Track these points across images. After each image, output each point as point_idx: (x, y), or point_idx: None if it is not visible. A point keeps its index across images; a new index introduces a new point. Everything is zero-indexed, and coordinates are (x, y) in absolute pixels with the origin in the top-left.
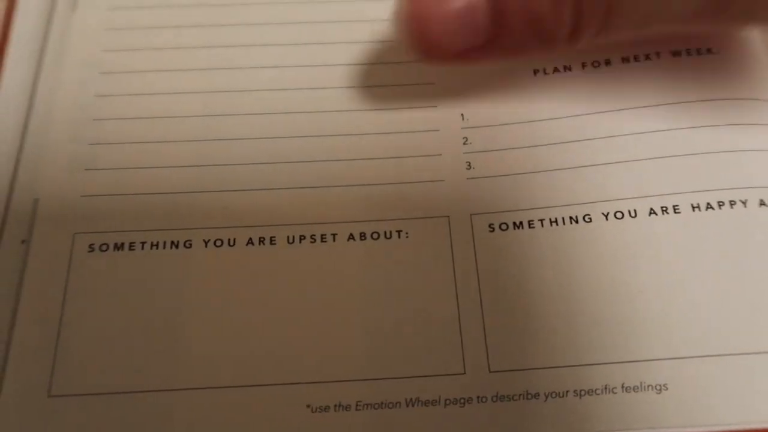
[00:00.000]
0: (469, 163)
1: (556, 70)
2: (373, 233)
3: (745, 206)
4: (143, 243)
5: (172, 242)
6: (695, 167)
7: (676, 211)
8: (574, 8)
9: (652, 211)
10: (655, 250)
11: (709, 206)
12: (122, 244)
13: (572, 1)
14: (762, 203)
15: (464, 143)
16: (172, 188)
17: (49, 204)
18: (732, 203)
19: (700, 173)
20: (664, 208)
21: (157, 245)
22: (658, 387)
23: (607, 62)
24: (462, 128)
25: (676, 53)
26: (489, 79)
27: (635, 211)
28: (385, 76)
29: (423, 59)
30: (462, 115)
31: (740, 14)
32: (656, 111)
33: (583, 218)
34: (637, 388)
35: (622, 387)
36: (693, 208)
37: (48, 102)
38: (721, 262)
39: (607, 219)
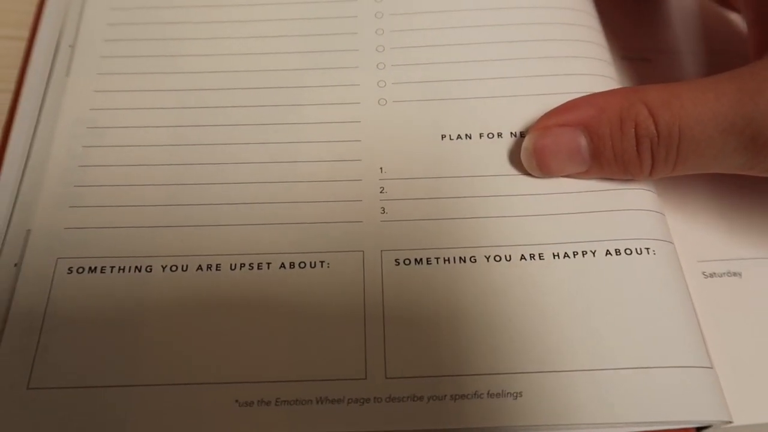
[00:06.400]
0: (384, 208)
1: (459, 137)
2: (300, 263)
3: (594, 255)
4: (112, 267)
5: (136, 267)
6: (557, 223)
7: (541, 257)
8: (652, 161)
9: (522, 257)
10: (523, 288)
11: (566, 255)
12: (95, 267)
13: (649, 158)
14: (608, 253)
15: (381, 192)
16: (138, 223)
17: (38, 234)
18: (584, 253)
19: (561, 228)
20: (532, 255)
21: (123, 269)
22: (515, 394)
23: (499, 134)
24: (380, 179)
25: None
26: (405, 141)
27: (510, 255)
28: (319, 134)
29: (540, 176)
30: (381, 168)
31: None
32: (532, 179)
33: (470, 259)
34: (499, 394)
35: (488, 393)
36: (554, 256)
37: (44, 150)
38: (572, 300)
39: (488, 261)
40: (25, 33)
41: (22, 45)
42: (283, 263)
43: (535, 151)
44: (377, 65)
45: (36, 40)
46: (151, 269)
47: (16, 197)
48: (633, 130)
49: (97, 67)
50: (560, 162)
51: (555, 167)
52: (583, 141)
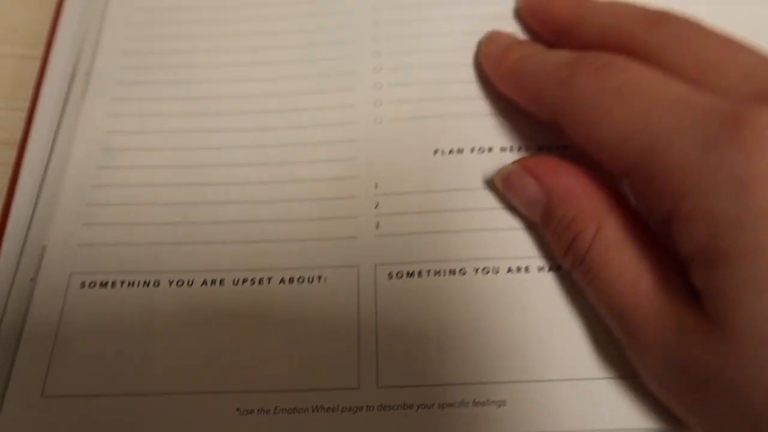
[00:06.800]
0: (378, 223)
1: (451, 152)
2: (299, 278)
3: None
4: (122, 282)
5: (145, 281)
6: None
7: (527, 270)
8: (570, 270)
9: (509, 269)
10: (509, 299)
11: (551, 268)
12: (106, 282)
13: (569, 267)
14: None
15: (375, 207)
16: (147, 240)
17: (53, 250)
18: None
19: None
20: (518, 267)
21: (132, 284)
22: (499, 402)
23: (489, 149)
24: (375, 195)
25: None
26: (400, 157)
27: (498, 268)
28: (317, 154)
29: None
30: (376, 184)
31: None
32: None
33: (459, 271)
34: (484, 403)
35: (473, 402)
36: (538, 269)
37: (59, 170)
38: (555, 311)
39: (476, 273)
40: (38, 52)
41: (35, 64)
42: (282, 278)
43: (503, 182)
44: (374, 85)
45: (51, 61)
46: (158, 284)
47: (33, 214)
48: (571, 238)
49: (111, 93)
50: (518, 204)
51: (514, 203)
52: (541, 204)
